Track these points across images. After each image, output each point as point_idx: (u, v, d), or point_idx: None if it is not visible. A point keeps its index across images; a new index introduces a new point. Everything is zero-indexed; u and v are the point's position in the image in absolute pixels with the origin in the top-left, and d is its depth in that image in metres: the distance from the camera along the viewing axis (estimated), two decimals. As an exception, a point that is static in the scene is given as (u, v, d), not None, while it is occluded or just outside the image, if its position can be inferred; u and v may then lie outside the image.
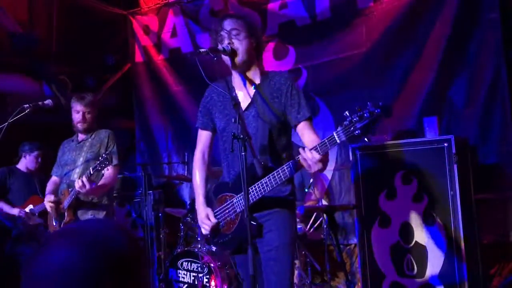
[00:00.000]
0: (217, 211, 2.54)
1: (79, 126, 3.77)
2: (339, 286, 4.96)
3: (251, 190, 2.34)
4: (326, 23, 5.16)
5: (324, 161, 2.18)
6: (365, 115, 1.98)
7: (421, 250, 3.61)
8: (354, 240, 4.81)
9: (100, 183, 3.59)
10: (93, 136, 3.81)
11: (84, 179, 3.33)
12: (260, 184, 2.33)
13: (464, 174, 3.61)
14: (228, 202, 2.50)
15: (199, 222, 2.59)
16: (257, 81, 2.53)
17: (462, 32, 4.37)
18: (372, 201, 3.81)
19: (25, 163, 4.96)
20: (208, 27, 5.95)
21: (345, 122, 2.04)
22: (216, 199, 2.59)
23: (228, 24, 2.43)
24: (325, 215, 4.52)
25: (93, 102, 3.83)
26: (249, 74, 2.53)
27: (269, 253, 2.41)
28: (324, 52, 5.15)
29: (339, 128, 2.06)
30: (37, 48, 5.79)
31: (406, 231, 3.67)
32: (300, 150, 2.22)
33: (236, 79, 2.56)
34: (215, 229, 2.52)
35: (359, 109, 2.01)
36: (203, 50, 2.29)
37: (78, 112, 3.75)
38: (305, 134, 2.47)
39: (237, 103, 2.24)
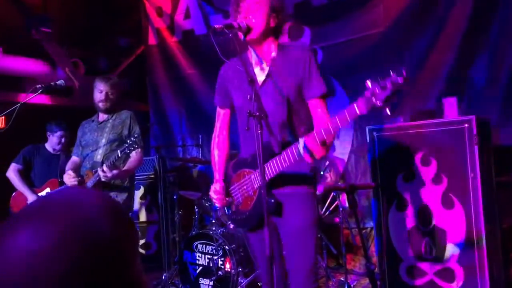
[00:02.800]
0: (235, 187, 2.51)
1: (101, 105, 3.80)
2: (355, 269, 4.92)
3: (268, 166, 2.28)
4: (343, 3, 5.05)
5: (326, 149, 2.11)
6: (387, 85, 1.86)
7: (440, 234, 3.53)
8: (370, 224, 4.75)
9: (125, 168, 3.62)
10: (114, 117, 3.84)
11: (105, 168, 3.39)
12: (277, 159, 2.26)
13: (485, 156, 3.51)
14: (246, 178, 2.46)
15: (211, 194, 2.55)
16: (273, 54, 2.44)
17: (483, 11, 4.24)
18: (389, 183, 3.73)
19: (49, 143, 4.83)
20: (222, 8, 5.87)
21: (366, 93, 1.92)
22: (234, 175, 2.54)
23: None
24: (340, 198, 4.48)
25: (118, 84, 3.89)
26: (265, 48, 2.44)
27: (291, 234, 2.36)
28: (341, 32, 5.04)
29: (359, 99, 1.95)
30: (51, 31, 5.77)
31: (424, 214, 3.59)
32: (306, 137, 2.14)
33: (252, 54, 2.49)
34: (227, 203, 2.49)
35: (381, 78, 1.89)
36: (218, 26, 2.22)
37: (101, 91, 3.79)
38: (316, 113, 2.39)
39: (252, 80, 2.16)
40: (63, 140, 4.78)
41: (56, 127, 4.77)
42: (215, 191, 2.51)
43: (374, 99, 1.89)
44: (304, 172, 2.39)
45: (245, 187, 2.46)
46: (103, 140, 3.72)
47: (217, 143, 2.65)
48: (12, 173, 4.59)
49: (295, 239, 2.36)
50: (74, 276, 0.68)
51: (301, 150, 2.11)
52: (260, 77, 2.43)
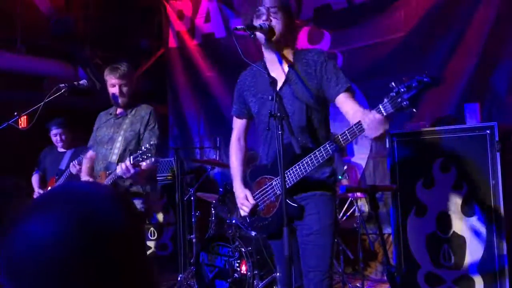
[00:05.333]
0: (256, 194, 2.51)
1: (118, 100, 3.46)
2: (371, 276, 4.88)
3: (290, 172, 2.29)
4: (363, 7, 5.03)
5: (387, 122, 2.01)
6: (413, 84, 1.85)
7: (459, 241, 3.49)
8: (387, 230, 4.70)
9: (144, 167, 3.26)
10: (133, 112, 3.48)
11: (128, 163, 3.08)
12: (300, 165, 2.28)
13: (507, 163, 3.46)
14: (268, 184, 2.46)
15: (238, 204, 2.56)
16: (290, 58, 2.45)
17: (506, 17, 4.18)
18: (408, 189, 3.70)
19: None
20: (242, 11, 5.90)
21: (391, 93, 1.91)
22: (254, 182, 2.55)
23: (268, 1, 2.36)
24: (358, 203, 4.45)
25: (129, 73, 3.48)
26: (284, 53, 2.45)
27: (308, 237, 2.36)
28: (361, 36, 5.02)
29: (385, 100, 1.93)
30: (73, 32, 5.86)
31: (444, 220, 3.55)
32: (360, 117, 2.08)
33: (269, 58, 2.48)
34: (253, 211, 2.49)
35: (405, 79, 1.88)
36: (239, 27, 2.23)
37: (113, 85, 3.45)
38: (347, 104, 2.31)
39: (273, 81, 2.17)
40: (63, 137, 4.73)
41: (52, 125, 4.72)
42: (244, 199, 2.50)
43: (400, 100, 1.88)
44: (324, 177, 2.40)
45: (266, 194, 2.46)
46: (120, 138, 3.39)
47: (234, 151, 2.67)
48: (32, 181, 4.71)
49: (311, 241, 2.36)
50: (84, 264, 0.70)
51: (369, 127, 2.04)
52: (279, 81, 2.42)
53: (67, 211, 0.73)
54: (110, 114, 3.58)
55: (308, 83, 2.36)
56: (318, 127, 2.42)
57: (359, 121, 2.07)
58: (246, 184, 2.59)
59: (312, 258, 2.35)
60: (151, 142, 3.06)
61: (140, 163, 3.11)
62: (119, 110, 3.54)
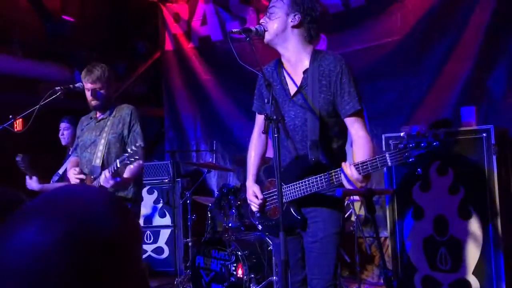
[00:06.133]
0: (266, 194, 2.50)
1: (92, 104, 3.33)
2: (368, 279, 4.87)
3: (298, 185, 2.27)
4: (359, 10, 5.03)
5: (366, 181, 2.07)
6: (422, 144, 1.84)
7: (456, 244, 3.48)
8: (384, 233, 4.70)
9: (126, 175, 3.17)
10: (113, 113, 3.35)
11: (107, 174, 2.99)
12: (308, 182, 2.24)
13: (503, 166, 3.46)
14: (274, 184, 2.46)
15: (248, 200, 2.55)
16: (306, 63, 2.36)
17: (502, 20, 4.19)
18: (405, 192, 3.69)
19: None
20: (239, 15, 5.90)
21: (400, 145, 1.90)
22: (267, 181, 2.54)
23: (272, 2, 2.36)
24: (355, 207, 4.44)
25: (104, 75, 3.31)
26: (296, 57, 2.38)
27: (313, 244, 2.35)
28: (357, 40, 5.02)
29: (392, 151, 1.93)
30: (69, 35, 5.85)
31: (441, 224, 3.54)
32: (343, 164, 2.10)
33: (284, 60, 2.44)
34: (261, 207, 2.48)
35: (417, 134, 1.85)
36: (235, 30, 2.23)
37: (88, 90, 3.31)
38: (353, 129, 2.30)
39: (269, 84, 2.16)
40: (64, 133, 4.68)
41: (61, 121, 4.72)
42: (252, 195, 2.49)
43: (406, 155, 1.88)
44: (333, 194, 2.30)
45: (275, 197, 2.44)
46: (102, 141, 3.28)
47: (253, 146, 2.65)
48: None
49: (316, 249, 2.35)
50: (79, 271, 0.67)
51: (345, 182, 2.09)
52: (292, 87, 2.38)
53: (65, 216, 0.70)
54: (91, 118, 3.48)
55: (322, 94, 2.29)
56: (332, 138, 2.35)
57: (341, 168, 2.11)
58: (259, 179, 2.57)
59: (315, 265, 2.34)
60: (137, 144, 2.92)
61: (121, 170, 3.03)
62: (99, 113, 3.42)
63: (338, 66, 2.28)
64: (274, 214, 2.47)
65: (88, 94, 3.33)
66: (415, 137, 1.86)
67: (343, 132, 2.41)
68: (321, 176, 2.18)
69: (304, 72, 2.35)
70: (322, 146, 2.30)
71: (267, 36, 2.34)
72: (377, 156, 1.98)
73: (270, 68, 2.47)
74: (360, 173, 2.02)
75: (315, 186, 2.22)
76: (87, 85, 3.31)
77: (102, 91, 3.31)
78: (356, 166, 2.04)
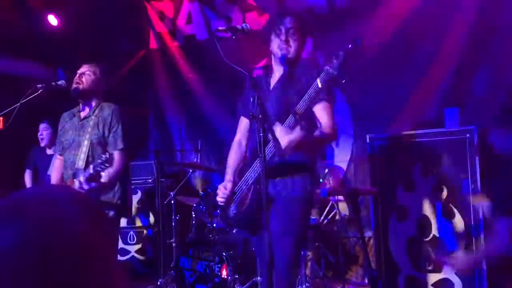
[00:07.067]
0: (236, 188, 2.57)
1: (73, 87, 3.23)
2: (352, 279, 4.88)
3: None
4: (344, 12, 5.05)
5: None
6: (340, 52, 2.10)
7: (439, 244, 3.51)
8: (368, 233, 4.72)
9: (103, 180, 3.06)
10: (96, 111, 3.27)
11: (82, 179, 2.95)
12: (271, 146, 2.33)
13: (486, 166, 3.50)
14: (243, 178, 2.53)
15: (218, 193, 2.61)
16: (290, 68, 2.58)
17: (485, 21, 4.24)
18: (389, 193, 3.71)
19: None
20: (224, 14, 5.88)
21: (325, 67, 2.12)
22: (238, 179, 2.61)
23: (288, 22, 2.53)
24: (339, 207, 4.44)
25: (99, 69, 3.30)
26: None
27: (276, 221, 2.39)
28: (342, 41, 5.02)
29: (321, 74, 2.14)
30: (52, 32, 5.76)
31: (424, 224, 3.57)
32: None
33: (274, 66, 2.63)
34: (229, 200, 2.54)
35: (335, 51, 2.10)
36: (221, 28, 2.22)
37: (78, 73, 3.28)
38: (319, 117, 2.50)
39: (255, 83, 2.18)
40: (44, 133, 4.73)
41: (41, 122, 4.75)
42: (223, 187, 2.58)
43: (331, 70, 2.09)
44: (301, 160, 2.46)
45: (243, 186, 2.51)
46: (85, 143, 3.18)
47: (234, 148, 2.76)
48: (26, 179, 4.64)
49: (278, 226, 2.37)
50: (42, 275, 0.65)
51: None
52: (272, 83, 2.56)
53: (27, 217, 0.67)
54: (74, 115, 3.38)
55: (295, 90, 2.47)
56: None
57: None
58: (234, 182, 2.63)
59: (278, 241, 2.32)
60: (118, 148, 2.94)
61: (100, 173, 2.98)
62: (83, 110, 3.34)
63: (314, 73, 2.48)
64: (243, 204, 2.51)
65: (76, 77, 3.28)
66: (333, 52, 2.15)
67: (313, 129, 2.54)
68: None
69: (284, 71, 2.58)
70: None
71: (292, 55, 2.53)
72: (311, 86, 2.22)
73: (260, 75, 2.68)
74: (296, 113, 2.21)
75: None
76: (80, 70, 3.29)
77: (89, 77, 3.26)
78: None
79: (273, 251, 2.30)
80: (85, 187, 2.95)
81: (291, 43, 2.52)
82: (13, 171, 5.16)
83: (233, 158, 2.72)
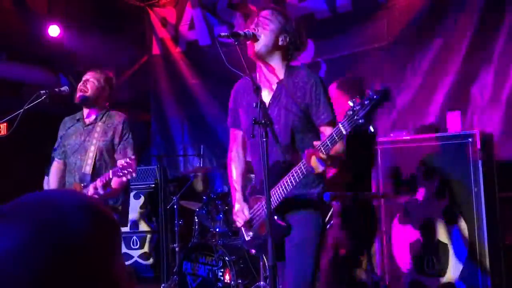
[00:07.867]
0: (252, 212, 2.50)
1: (78, 94, 3.26)
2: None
3: (275, 191, 2.28)
4: (347, 16, 5.06)
5: (332, 160, 2.14)
6: (365, 102, 1.95)
7: (442, 249, 3.51)
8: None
9: (115, 186, 3.13)
10: (103, 118, 3.30)
11: (99, 183, 2.97)
12: (281, 184, 2.27)
13: (489, 171, 3.50)
14: (259, 204, 2.46)
15: (234, 215, 2.55)
16: (281, 76, 2.43)
17: (488, 25, 4.25)
18: (392, 197, 3.71)
19: None
20: (226, 20, 5.90)
21: (348, 112, 2.00)
22: (250, 198, 2.55)
23: (264, 13, 2.40)
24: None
25: (105, 74, 3.34)
26: (272, 69, 2.43)
27: (290, 250, 2.36)
28: (344, 45, 5.05)
29: (344, 119, 2.02)
30: (55, 38, 5.78)
31: (427, 228, 3.57)
32: (306, 151, 2.16)
33: (260, 73, 2.49)
34: (248, 225, 2.49)
35: (361, 97, 1.98)
36: (223, 33, 2.22)
37: (82, 80, 3.31)
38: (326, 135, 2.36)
39: (258, 88, 2.16)
40: None
41: None
42: (239, 212, 2.50)
43: (356, 118, 1.97)
44: (312, 197, 2.38)
45: (258, 213, 2.45)
46: (92, 148, 3.20)
47: (232, 161, 2.63)
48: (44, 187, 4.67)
49: (294, 251, 2.35)
50: (46, 277, 0.65)
51: (315, 164, 2.14)
52: (266, 99, 2.40)
53: (31, 220, 0.67)
54: (78, 120, 3.38)
55: (296, 105, 2.36)
56: (303, 147, 2.35)
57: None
58: (245, 198, 2.57)
59: (292, 270, 2.33)
60: (132, 157, 2.92)
61: (113, 181, 3.02)
62: (87, 116, 3.35)
63: (312, 78, 2.39)
64: (262, 231, 2.45)
65: (80, 84, 3.30)
66: (359, 100, 1.99)
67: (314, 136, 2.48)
68: (295, 168, 2.23)
69: (279, 83, 2.41)
70: (294, 153, 2.37)
71: (257, 46, 2.35)
72: (333, 131, 2.08)
73: (245, 80, 2.46)
74: (323, 153, 2.09)
75: (294, 179, 2.23)
76: (84, 77, 3.31)
77: (94, 84, 3.28)
78: (318, 147, 2.11)
79: (291, 263, 2.34)
80: (101, 192, 2.98)
81: (261, 32, 2.36)
82: (19, 176, 5.17)
83: (235, 173, 2.61)
